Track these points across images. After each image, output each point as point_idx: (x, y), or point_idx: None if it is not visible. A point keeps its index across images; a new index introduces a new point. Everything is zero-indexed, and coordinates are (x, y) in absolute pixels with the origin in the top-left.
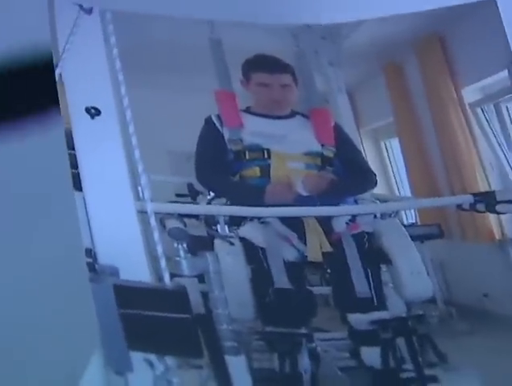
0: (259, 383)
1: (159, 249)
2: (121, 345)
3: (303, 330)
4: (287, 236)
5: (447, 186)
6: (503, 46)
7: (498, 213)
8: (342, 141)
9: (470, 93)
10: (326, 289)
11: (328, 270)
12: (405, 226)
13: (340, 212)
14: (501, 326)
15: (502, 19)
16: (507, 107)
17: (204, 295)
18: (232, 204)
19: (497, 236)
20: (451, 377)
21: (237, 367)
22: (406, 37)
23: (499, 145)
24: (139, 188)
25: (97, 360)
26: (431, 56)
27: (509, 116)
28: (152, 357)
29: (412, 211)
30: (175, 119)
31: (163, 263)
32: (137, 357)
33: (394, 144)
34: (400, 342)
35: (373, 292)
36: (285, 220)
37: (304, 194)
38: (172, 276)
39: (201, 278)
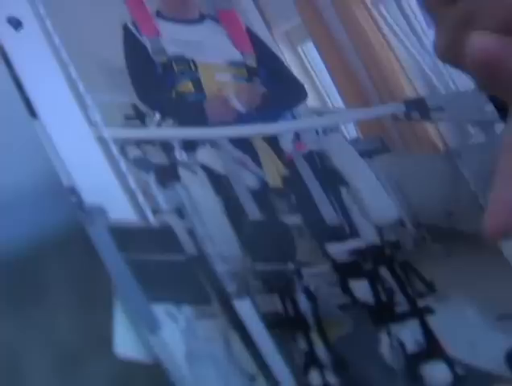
0: (270, 328)
1: (132, 182)
2: (139, 297)
3: (291, 266)
4: (242, 160)
5: (376, 95)
6: None
7: (433, 121)
8: (260, 47)
9: None
10: (296, 218)
11: (292, 196)
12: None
13: (283, 128)
14: (474, 245)
15: None
16: (409, 4)
17: (191, 234)
18: (179, 125)
19: (441, 146)
20: (444, 306)
21: (246, 311)
22: None
23: (412, 45)
24: (88, 112)
25: (121, 319)
26: None
27: (412, 12)
28: (171, 309)
29: (351, 124)
30: (92, 26)
31: (140, 198)
32: (159, 312)
33: (311, 48)
34: (385, 273)
35: (341, 217)
36: (235, 143)
37: (241, 109)
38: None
39: (180, 214)
